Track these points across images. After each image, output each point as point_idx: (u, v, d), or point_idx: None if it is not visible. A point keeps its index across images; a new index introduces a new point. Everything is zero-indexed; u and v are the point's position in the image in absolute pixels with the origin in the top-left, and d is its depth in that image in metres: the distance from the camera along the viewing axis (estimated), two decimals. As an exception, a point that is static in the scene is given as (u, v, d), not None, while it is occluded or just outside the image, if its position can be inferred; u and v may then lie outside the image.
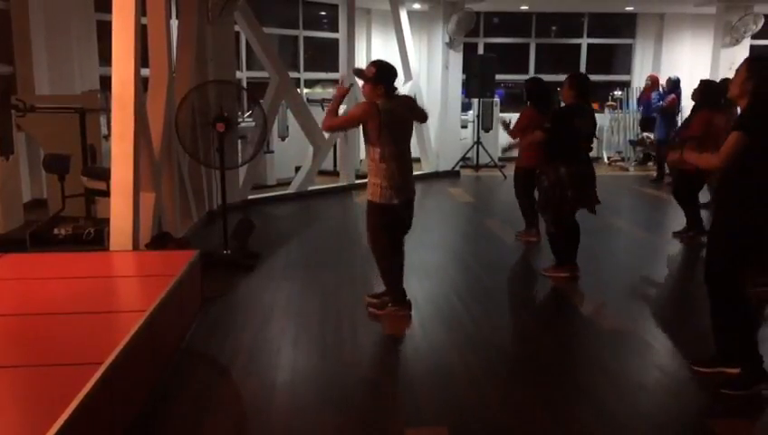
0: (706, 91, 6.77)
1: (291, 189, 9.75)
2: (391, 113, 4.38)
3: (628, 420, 3.33)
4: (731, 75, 3.83)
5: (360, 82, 4.64)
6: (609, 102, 13.78)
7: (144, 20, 5.83)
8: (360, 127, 4.52)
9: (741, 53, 12.42)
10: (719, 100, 6.57)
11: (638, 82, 14.25)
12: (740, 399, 3.47)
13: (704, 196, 7.19)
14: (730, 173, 3.48)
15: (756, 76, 3.42)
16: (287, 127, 10.98)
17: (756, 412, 3.40)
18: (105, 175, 5.36)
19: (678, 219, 7.32)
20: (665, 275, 6.16)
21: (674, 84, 10.92)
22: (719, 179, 3.70)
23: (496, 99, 12.98)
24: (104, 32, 7.98)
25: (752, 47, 12.62)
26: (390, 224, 4.57)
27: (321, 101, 11.72)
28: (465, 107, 13.13)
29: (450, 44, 11.93)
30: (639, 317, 4.88)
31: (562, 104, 5.85)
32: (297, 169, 10.41)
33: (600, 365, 4.07)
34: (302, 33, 12.88)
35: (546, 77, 14.43)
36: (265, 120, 6.34)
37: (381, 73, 4.38)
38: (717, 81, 7.63)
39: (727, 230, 3.52)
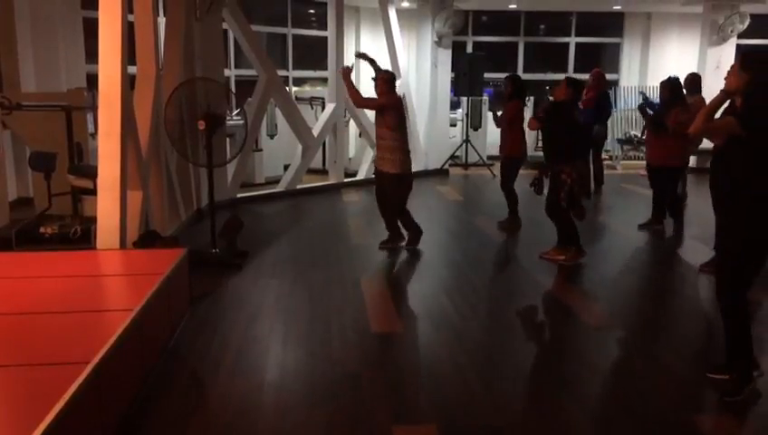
0: (676, 88, 6.95)
1: (279, 188, 9.73)
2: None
3: (614, 415, 3.35)
4: (718, 73, 3.87)
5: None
6: None
7: (131, 17, 5.80)
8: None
9: (727, 51, 12.53)
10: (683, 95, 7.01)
11: (626, 81, 14.36)
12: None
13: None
14: (743, 173, 3.42)
15: (751, 71, 3.42)
16: (276, 125, 10.96)
17: (738, 407, 3.43)
18: (92, 173, 5.32)
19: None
20: (651, 272, 6.20)
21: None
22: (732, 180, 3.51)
23: (485, 97, 13.02)
24: (91, 29, 7.92)
25: (738, 46, 12.73)
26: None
27: (310, 100, 11.72)
28: (454, 105, 13.15)
29: (439, 43, 11.94)
30: (626, 314, 4.91)
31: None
32: (286, 167, 10.40)
33: (586, 361, 4.09)
34: (291, 31, 12.86)
35: (535, 76, 14.63)
36: (247, 123, 6.35)
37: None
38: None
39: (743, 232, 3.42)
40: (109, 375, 2.83)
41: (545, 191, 5.99)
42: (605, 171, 10.19)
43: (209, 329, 4.37)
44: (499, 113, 7.63)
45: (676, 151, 6.86)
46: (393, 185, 6.21)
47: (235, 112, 9.07)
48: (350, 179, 10.70)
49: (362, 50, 13.54)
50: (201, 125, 5.72)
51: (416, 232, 6.45)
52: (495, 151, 12.54)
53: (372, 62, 6.53)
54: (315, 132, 10.00)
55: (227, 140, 8.30)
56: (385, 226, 6.47)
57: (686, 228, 7.24)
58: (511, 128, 7.31)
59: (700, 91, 7.68)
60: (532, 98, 12.84)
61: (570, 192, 5.67)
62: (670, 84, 6.96)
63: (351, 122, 11.29)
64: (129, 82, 5.30)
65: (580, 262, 5.95)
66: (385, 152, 6.16)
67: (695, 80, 7.84)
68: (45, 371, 2.74)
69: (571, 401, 3.51)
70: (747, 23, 12.27)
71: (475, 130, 12.66)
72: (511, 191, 7.42)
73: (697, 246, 6.67)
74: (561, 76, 14.69)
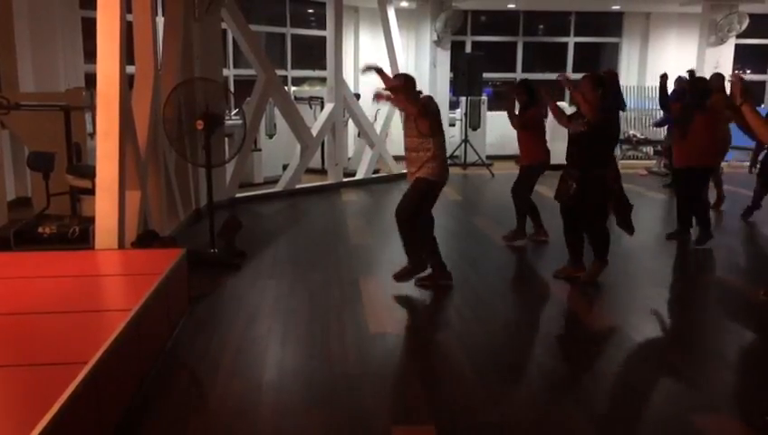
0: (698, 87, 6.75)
1: (278, 188, 9.72)
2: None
3: (615, 417, 3.35)
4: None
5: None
6: None
7: (130, 17, 5.79)
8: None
9: (726, 51, 12.56)
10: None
11: (625, 80, 14.36)
12: (728, 396, 3.50)
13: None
14: None
15: None
16: (274, 125, 10.96)
17: (742, 409, 3.42)
18: (90, 173, 5.32)
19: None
20: (654, 275, 6.19)
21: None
22: None
23: (484, 97, 13.02)
24: (89, 29, 7.90)
25: (737, 46, 12.75)
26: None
27: (309, 99, 11.72)
28: (453, 105, 13.15)
29: (438, 42, 11.95)
30: (627, 316, 4.90)
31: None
32: (284, 167, 10.39)
33: (587, 363, 4.09)
34: (290, 31, 12.86)
35: (534, 76, 14.63)
36: (246, 122, 6.35)
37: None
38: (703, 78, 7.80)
39: None
40: (107, 375, 2.82)
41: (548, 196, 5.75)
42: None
43: (208, 329, 4.37)
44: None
45: (711, 149, 6.46)
46: (418, 188, 5.34)
47: (234, 112, 9.07)
48: (348, 179, 10.70)
49: (361, 51, 13.61)
50: (200, 125, 5.72)
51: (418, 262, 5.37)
52: (494, 151, 12.68)
53: (380, 71, 5.74)
54: (314, 132, 9.99)
55: (226, 139, 8.29)
56: (429, 260, 5.48)
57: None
58: (534, 133, 6.81)
59: (725, 89, 7.47)
60: None
61: (619, 200, 5.25)
62: (696, 80, 6.82)
63: (350, 122, 11.29)
64: (127, 82, 5.30)
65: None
66: (417, 162, 5.31)
67: (720, 78, 7.72)
68: (43, 371, 2.73)
69: (571, 401, 3.51)
70: (746, 23, 12.29)
71: (474, 129, 12.66)
72: (528, 201, 6.85)
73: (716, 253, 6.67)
74: (560, 76, 14.83)
